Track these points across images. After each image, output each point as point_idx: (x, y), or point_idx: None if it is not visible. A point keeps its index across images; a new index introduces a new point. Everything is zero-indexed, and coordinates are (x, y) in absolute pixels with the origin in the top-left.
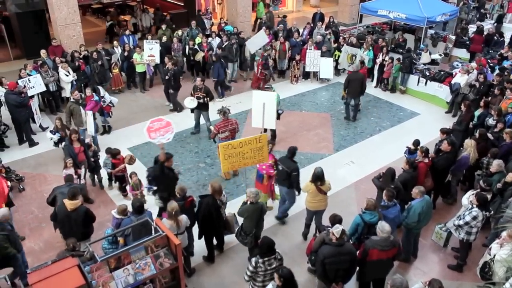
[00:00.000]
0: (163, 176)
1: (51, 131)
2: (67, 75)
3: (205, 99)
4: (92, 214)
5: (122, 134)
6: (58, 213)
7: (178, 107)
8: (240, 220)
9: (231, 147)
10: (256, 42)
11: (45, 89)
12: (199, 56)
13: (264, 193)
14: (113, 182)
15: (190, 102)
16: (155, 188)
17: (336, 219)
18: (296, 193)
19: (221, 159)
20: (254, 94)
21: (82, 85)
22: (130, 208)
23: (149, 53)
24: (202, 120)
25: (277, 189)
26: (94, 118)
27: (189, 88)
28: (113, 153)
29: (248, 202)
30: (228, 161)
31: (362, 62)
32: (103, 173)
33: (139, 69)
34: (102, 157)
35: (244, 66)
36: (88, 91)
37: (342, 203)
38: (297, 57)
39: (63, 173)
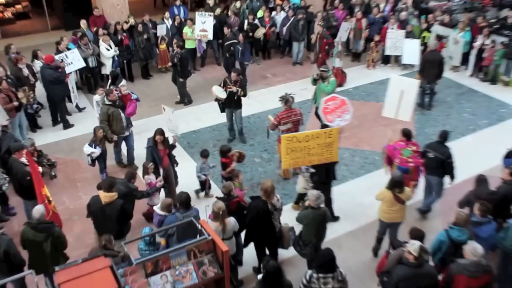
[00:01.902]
0: None
1: (90, 144)
2: (108, 50)
3: (239, 93)
4: (130, 210)
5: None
6: (92, 205)
7: (186, 99)
8: (298, 228)
9: (296, 140)
10: (343, 31)
11: (84, 65)
12: (260, 32)
13: (406, 186)
14: (208, 189)
15: (220, 91)
16: (313, 170)
17: (418, 234)
18: (449, 181)
19: (282, 153)
20: (393, 79)
21: (125, 61)
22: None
23: (201, 27)
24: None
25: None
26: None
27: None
28: (224, 150)
29: (309, 206)
30: (291, 157)
31: (439, 38)
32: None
33: (188, 45)
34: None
35: (312, 46)
36: (124, 88)
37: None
38: (376, 38)
39: (145, 180)
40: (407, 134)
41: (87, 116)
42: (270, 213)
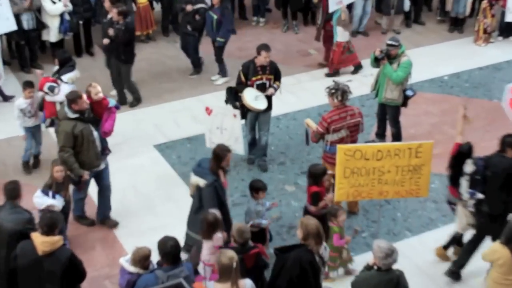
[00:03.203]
0: None
1: (44, 191)
2: (55, 2)
3: (272, 86)
4: (81, 264)
5: (145, 120)
6: (20, 256)
7: (135, 97)
8: None
9: (361, 155)
10: None
11: (15, 27)
12: None
13: None
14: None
15: (257, 99)
16: (481, 196)
17: None
18: None
19: (337, 175)
20: None
21: (81, 22)
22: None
23: None
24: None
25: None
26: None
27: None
28: (318, 173)
29: (374, 267)
30: (350, 182)
31: None
32: None
33: None
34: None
35: (385, 6)
36: (96, 90)
37: None
38: None
39: (215, 240)
40: None
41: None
42: (318, 270)
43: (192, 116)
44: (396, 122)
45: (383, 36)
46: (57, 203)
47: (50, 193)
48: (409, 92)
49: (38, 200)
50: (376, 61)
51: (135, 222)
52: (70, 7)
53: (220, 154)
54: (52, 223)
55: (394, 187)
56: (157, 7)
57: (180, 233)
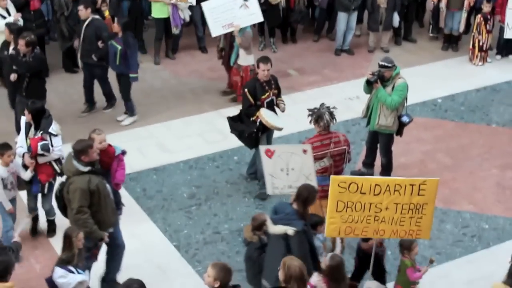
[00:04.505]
0: None
1: (63, 267)
2: (4, 17)
3: (281, 102)
4: None
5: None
6: None
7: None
8: None
9: (356, 189)
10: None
11: None
12: None
13: None
14: None
15: (278, 121)
16: None
17: None
18: None
19: (328, 208)
20: None
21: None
22: None
23: None
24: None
25: None
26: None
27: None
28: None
29: None
30: (343, 217)
31: None
32: None
33: (157, 13)
34: None
35: (373, 22)
36: (101, 138)
37: None
38: (486, 7)
39: None
40: None
41: None
42: None
43: (159, 144)
44: (387, 151)
45: (370, 54)
46: (86, 277)
47: (73, 269)
48: (405, 119)
49: (63, 280)
50: (369, 85)
51: (94, 265)
52: (21, 22)
53: (310, 196)
54: (6, 266)
55: (392, 226)
56: None
57: (146, 275)
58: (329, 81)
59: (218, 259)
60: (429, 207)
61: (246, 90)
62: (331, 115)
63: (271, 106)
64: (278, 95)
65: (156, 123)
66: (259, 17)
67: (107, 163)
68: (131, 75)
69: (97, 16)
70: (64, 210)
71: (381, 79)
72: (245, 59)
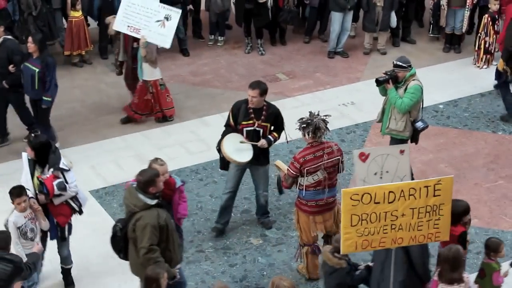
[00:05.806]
0: None
1: None
2: None
3: (267, 137)
4: None
5: (79, 162)
6: None
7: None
8: None
9: (370, 199)
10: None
11: None
12: None
13: None
14: None
15: (241, 149)
16: None
17: None
18: None
19: (342, 224)
20: None
21: None
22: None
23: None
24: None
25: None
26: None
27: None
28: None
29: None
30: (359, 231)
31: None
32: None
33: None
34: None
35: (369, 22)
36: (163, 169)
37: None
38: (494, 6)
39: None
40: None
41: None
42: None
43: (137, 156)
44: None
45: (366, 57)
46: None
47: None
48: (419, 124)
49: None
50: (378, 85)
51: None
52: None
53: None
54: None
55: (410, 232)
56: (94, 23)
57: None
58: (322, 86)
59: (202, 279)
60: (446, 207)
61: (231, 107)
62: (324, 123)
63: (253, 137)
64: (276, 130)
65: (133, 132)
66: (167, 43)
67: (167, 196)
68: (44, 98)
69: (9, 36)
70: (121, 251)
71: (394, 79)
72: (152, 73)
